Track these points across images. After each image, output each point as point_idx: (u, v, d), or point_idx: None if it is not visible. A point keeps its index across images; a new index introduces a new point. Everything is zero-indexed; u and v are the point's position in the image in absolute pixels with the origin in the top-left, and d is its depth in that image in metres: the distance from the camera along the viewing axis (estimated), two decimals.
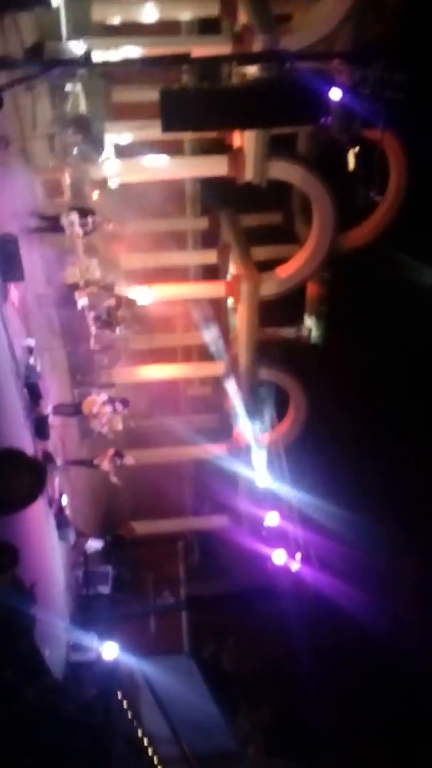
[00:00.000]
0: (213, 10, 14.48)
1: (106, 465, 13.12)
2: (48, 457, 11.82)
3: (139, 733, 14.01)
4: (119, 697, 13.49)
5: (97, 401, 12.72)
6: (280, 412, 19.43)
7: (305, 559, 16.81)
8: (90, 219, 12.51)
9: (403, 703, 18.16)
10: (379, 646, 17.04)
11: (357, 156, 15.89)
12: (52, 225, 12.22)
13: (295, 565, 16.90)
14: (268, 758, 19.31)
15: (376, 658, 17.72)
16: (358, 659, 17.99)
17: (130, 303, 14.51)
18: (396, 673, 17.74)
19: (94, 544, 14.76)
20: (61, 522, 12.87)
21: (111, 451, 13.20)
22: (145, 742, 14.17)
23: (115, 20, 13.34)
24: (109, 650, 12.64)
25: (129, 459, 13.34)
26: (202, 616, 19.26)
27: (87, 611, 13.80)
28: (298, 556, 17.00)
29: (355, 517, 17.36)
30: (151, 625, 17.98)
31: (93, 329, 13.48)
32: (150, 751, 14.82)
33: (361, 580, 16.79)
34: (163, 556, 18.99)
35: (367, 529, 17.42)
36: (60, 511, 12.82)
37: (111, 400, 13.40)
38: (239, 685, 19.21)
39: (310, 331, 19.33)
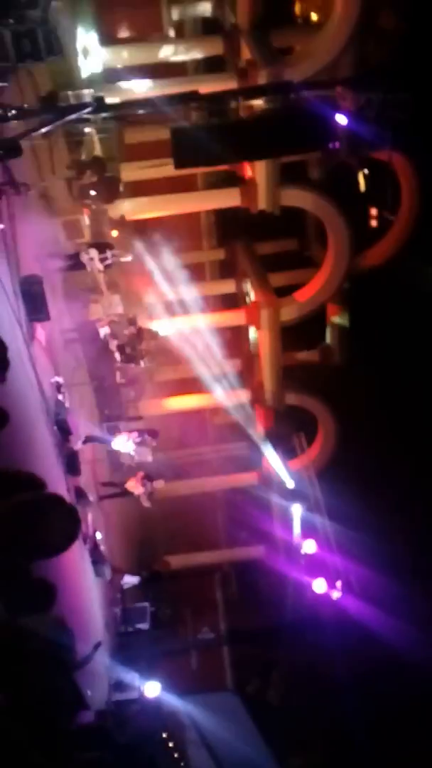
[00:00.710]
0: (218, 50, 15.00)
1: (136, 488, 13.11)
2: (80, 493, 11.85)
3: None
4: (164, 736, 13.13)
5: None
6: (310, 437, 19.26)
7: (345, 588, 16.39)
8: (109, 253, 12.80)
9: None
10: (427, 678, 16.34)
11: (367, 178, 16.10)
12: (73, 263, 12.54)
13: (336, 594, 16.48)
14: None
15: (423, 689, 16.99)
16: (408, 688, 17.24)
17: (153, 335, 14.69)
18: None
19: (130, 580, 14.62)
20: (97, 558, 12.80)
21: (141, 474, 13.22)
22: None
23: (125, 63, 13.88)
24: (152, 688, 12.38)
25: (159, 482, 13.33)
26: (245, 650, 18.79)
27: (127, 649, 13.59)
28: (339, 584, 16.59)
29: (392, 544, 16.89)
30: (192, 661, 17.60)
31: (118, 362, 13.65)
32: None
33: (401, 610, 16.24)
34: (200, 589, 18.69)
35: (405, 556, 16.93)
36: (95, 547, 12.76)
37: (140, 432, 13.47)
38: (288, 721, 18.54)
39: (333, 352, 19.29)
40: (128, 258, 13.46)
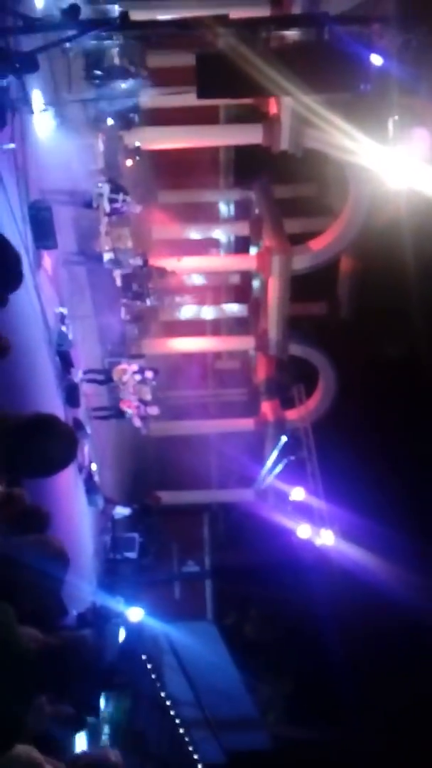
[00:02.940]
0: None
1: (131, 410, 13.23)
2: (78, 425, 12.01)
3: (162, 694, 14.39)
4: (143, 658, 13.85)
5: (127, 370, 12.83)
6: (309, 388, 19.32)
7: (329, 534, 16.86)
8: (121, 196, 12.36)
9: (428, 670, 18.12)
10: (403, 617, 17.01)
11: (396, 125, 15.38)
12: (82, 200, 12.13)
13: (319, 540, 16.97)
14: (289, 725, 19.65)
15: (400, 628, 17.71)
16: (382, 629, 17.99)
17: (161, 273, 14.47)
18: (420, 641, 17.71)
19: (121, 511, 15.04)
20: (90, 488, 13.13)
21: (136, 399, 13.33)
22: (168, 703, 14.56)
23: None
24: (135, 613, 12.96)
25: (153, 408, 13.45)
26: (226, 586, 19.52)
27: (114, 575, 14.13)
28: (323, 531, 17.05)
29: (383, 495, 17.24)
30: (175, 592, 18.32)
31: (124, 298, 13.53)
32: (172, 713, 15.22)
33: (387, 555, 16.74)
34: (188, 526, 19.24)
35: (395, 506, 17.31)
36: (89, 477, 13.06)
37: (141, 370, 13.51)
38: (261, 654, 19.50)
39: (342, 306, 19.06)
40: (138, 209, 12.99)
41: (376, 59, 12.22)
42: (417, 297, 16.75)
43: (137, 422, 13.63)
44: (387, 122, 13.48)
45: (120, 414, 13.71)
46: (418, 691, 17.83)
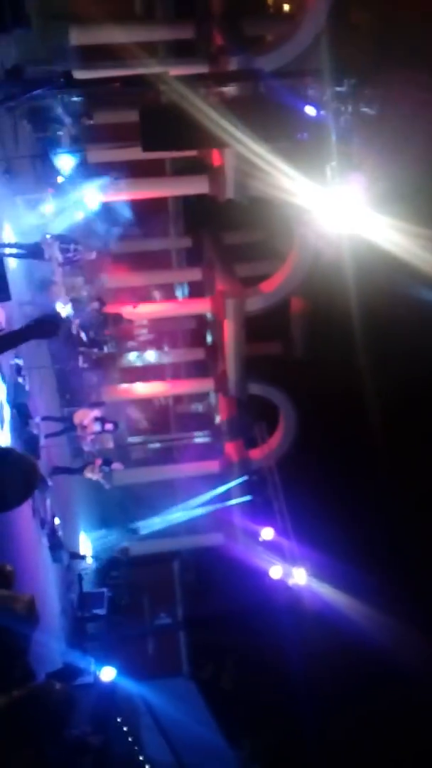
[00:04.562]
0: (188, 34, 14.85)
1: (94, 475, 13.07)
2: (40, 477, 11.71)
3: (140, 758, 13.67)
4: (118, 721, 13.17)
5: (88, 414, 12.71)
6: (271, 427, 19.44)
7: (302, 573, 16.70)
8: (72, 246, 12.46)
9: (411, 731, 17.86)
10: (381, 664, 16.83)
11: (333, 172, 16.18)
12: (33, 251, 12.19)
13: (291, 580, 16.78)
14: None
15: (378, 678, 17.50)
16: (361, 680, 17.74)
17: (117, 320, 14.54)
18: (400, 696, 17.50)
19: (88, 565, 14.56)
20: (54, 544, 12.70)
21: (99, 461, 13.18)
22: (147, 767, 13.82)
23: (94, 42, 13.62)
24: (107, 673, 12.38)
25: (117, 465, 13.31)
26: (200, 637, 18.96)
27: (83, 634, 13.54)
28: (295, 570, 16.89)
29: (351, 531, 17.27)
30: (149, 647, 17.66)
31: (81, 346, 13.49)
32: None
33: (358, 594, 16.65)
34: (158, 575, 18.75)
35: (364, 545, 17.34)
36: (53, 532, 12.65)
37: (101, 420, 13.36)
38: (240, 706, 18.85)
39: (296, 344, 19.49)
40: (92, 256, 13.16)
41: (310, 110, 12.93)
42: (363, 332, 17.33)
43: (106, 485, 13.49)
44: (325, 168, 14.21)
45: (82, 470, 13.57)
46: (395, 737, 17.51)
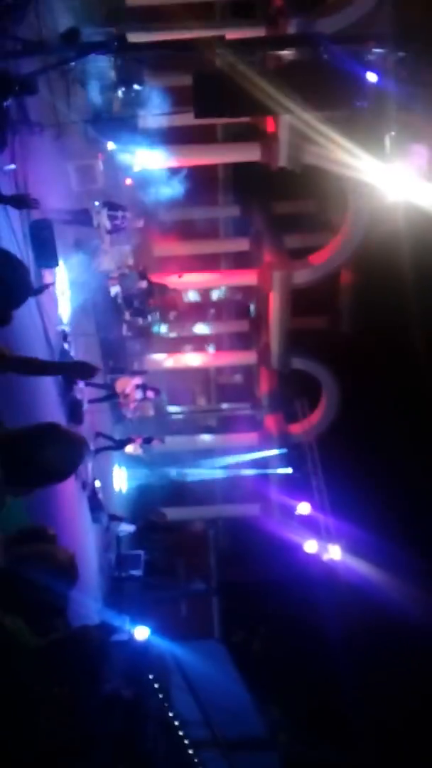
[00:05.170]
0: None
1: (135, 452, 13.34)
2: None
3: (170, 715, 14.18)
4: (150, 678, 13.66)
5: (130, 381, 12.91)
6: (313, 402, 19.30)
7: (337, 549, 16.72)
8: (120, 214, 12.46)
9: None
10: (413, 632, 16.79)
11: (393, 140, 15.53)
12: (82, 218, 12.25)
13: (326, 554, 16.83)
14: (300, 747, 19.28)
15: (411, 645, 17.46)
16: (394, 648, 17.74)
17: (162, 290, 14.56)
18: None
19: (126, 528, 14.97)
20: (95, 505, 13.09)
21: (139, 440, 13.44)
22: (176, 724, 14.34)
23: (149, 2, 13.33)
24: (141, 632, 12.81)
25: (156, 443, 13.53)
26: (234, 604, 19.33)
27: (119, 593, 14.00)
28: (330, 546, 16.93)
29: (389, 509, 17.11)
30: (182, 610, 18.14)
31: (126, 315, 13.61)
32: (180, 734, 14.97)
33: (395, 570, 16.58)
34: (194, 542, 19.12)
35: (401, 521, 17.17)
36: (93, 494, 13.03)
37: (143, 386, 13.55)
38: (270, 673, 19.23)
39: (343, 319, 19.12)
40: (140, 224, 13.13)
41: (371, 76, 12.38)
42: (417, 309, 16.81)
43: (138, 451, 13.77)
44: (384, 138, 13.65)
45: (123, 445, 13.86)
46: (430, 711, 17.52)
